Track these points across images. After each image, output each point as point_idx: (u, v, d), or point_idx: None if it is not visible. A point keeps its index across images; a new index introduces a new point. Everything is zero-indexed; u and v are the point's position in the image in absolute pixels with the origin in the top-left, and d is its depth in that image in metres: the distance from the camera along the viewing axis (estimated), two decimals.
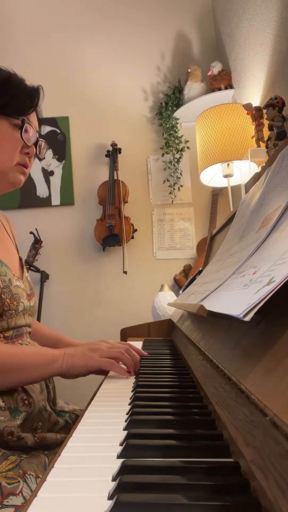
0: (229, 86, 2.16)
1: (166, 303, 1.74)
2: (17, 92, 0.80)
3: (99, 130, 2.48)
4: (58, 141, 2.47)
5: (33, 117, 0.85)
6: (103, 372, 0.77)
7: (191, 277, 1.25)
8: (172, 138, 2.36)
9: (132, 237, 2.32)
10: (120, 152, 2.38)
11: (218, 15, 2.37)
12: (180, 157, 2.36)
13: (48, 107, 2.52)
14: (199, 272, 1.17)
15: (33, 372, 0.69)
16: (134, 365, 0.74)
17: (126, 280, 2.33)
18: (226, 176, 1.84)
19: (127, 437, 0.39)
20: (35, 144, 0.86)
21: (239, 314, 0.32)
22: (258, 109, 1.53)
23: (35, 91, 0.83)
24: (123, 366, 0.73)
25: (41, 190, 2.44)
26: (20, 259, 0.94)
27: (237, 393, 0.37)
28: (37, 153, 0.87)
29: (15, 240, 0.99)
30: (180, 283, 2.26)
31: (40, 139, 0.87)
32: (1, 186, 0.85)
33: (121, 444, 0.39)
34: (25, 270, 0.92)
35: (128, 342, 0.92)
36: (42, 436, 0.67)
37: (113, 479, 0.32)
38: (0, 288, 0.75)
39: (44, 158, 2.43)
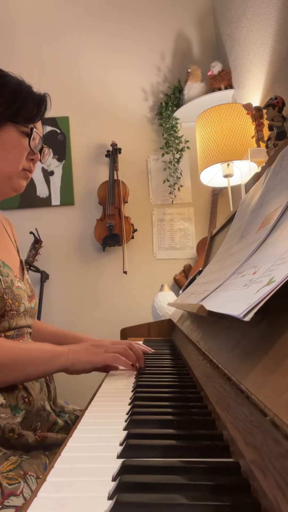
0: (229, 86, 2.16)
1: (166, 303, 1.74)
2: (27, 100, 0.82)
3: (99, 130, 2.47)
4: (58, 141, 2.46)
5: (38, 123, 0.87)
6: (107, 369, 0.80)
7: (191, 277, 1.25)
8: (172, 138, 2.36)
9: (132, 237, 2.32)
10: (120, 152, 2.38)
11: (218, 15, 2.37)
12: (180, 157, 2.35)
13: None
14: (199, 272, 1.17)
15: (38, 366, 0.71)
16: (138, 359, 0.78)
17: (126, 280, 2.33)
18: (226, 176, 1.84)
19: (127, 437, 0.39)
20: (40, 150, 0.88)
21: (239, 314, 0.32)
22: (258, 109, 1.52)
23: (43, 100, 0.85)
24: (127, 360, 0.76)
25: (41, 190, 2.44)
26: (21, 262, 0.95)
27: (237, 393, 0.37)
28: (41, 159, 0.89)
29: (16, 243, 1.00)
30: (180, 283, 2.26)
31: (44, 146, 0.89)
32: (3, 191, 0.86)
33: (121, 444, 0.39)
34: (25, 272, 0.93)
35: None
36: (43, 435, 0.68)
37: (113, 479, 0.32)
38: (2, 288, 0.76)
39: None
